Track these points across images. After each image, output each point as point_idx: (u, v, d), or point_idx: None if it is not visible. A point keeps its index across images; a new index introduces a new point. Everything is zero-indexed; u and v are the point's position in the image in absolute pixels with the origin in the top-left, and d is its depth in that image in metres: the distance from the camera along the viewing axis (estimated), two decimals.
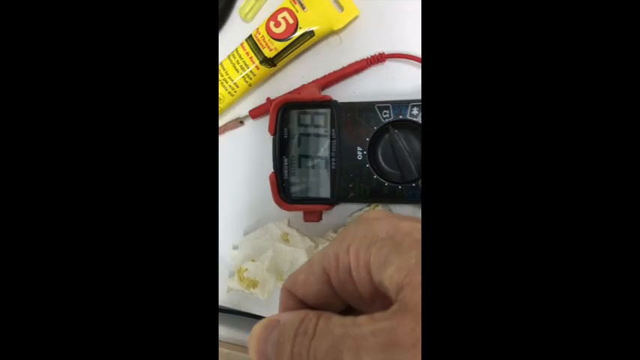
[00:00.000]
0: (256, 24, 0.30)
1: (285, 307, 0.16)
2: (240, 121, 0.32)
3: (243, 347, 0.33)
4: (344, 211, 0.30)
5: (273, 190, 0.28)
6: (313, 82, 0.29)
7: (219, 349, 0.34)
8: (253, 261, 0.30)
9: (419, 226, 0.13)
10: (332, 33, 0.29)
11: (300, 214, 0.30)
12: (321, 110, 0.27)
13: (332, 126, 0.27)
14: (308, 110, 0.27)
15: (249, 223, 0.33)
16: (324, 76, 0.29)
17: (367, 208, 0.29)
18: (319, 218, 0.29)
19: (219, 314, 0.36)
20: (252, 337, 0.15)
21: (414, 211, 0.29)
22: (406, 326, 0.11)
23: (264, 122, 0.32)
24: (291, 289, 0.16)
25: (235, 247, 0.33)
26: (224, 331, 0.34)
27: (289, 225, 0.31)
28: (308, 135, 0.27)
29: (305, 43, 0.29)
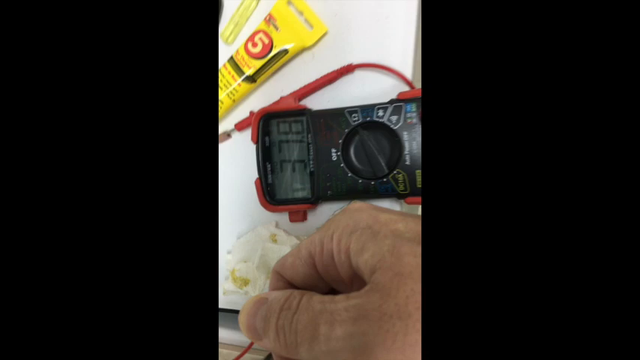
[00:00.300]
0: (237, 46, 0.34)
1: (274, 288, 0.18)
2: (227, 134, 0.35)
3: (242, 348, 0.35)
4: (328, 210, 0.33)
5: (258, 193, 0.31)
6: (291, 94, 0.31)
7: (220, 350, 0.35)
8: (245, 262, 0.32)
9: (396, 217, 0.15)
10: (305, 49, 0.32)
11: (287, 216, 0.33)
12: (297, 118, 0.30)
13: (308, 132, 0.29)
14: (286, 119, 0.30)
15: (242, 228, 0.35)
16: (300, 89, 0.32)
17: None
18: (304, 218, 0.32)
19: (219, 316, 0.38)
20: (242, 312, 0.17)
21: (390, 205, 0.31)
22: (374, 303, 0.13)
23: (249, 133, 0.35)
24: (280, 270, 0.18)
25: (229, 252, 0.35)
26: (223, 333, 0.36)
27: (277, 227, 0.33)
28: (287, 141, 0.30)
29: (281, 60, 0.32)
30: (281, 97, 0.31)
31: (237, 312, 0.35)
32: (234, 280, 0.32)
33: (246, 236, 0.34)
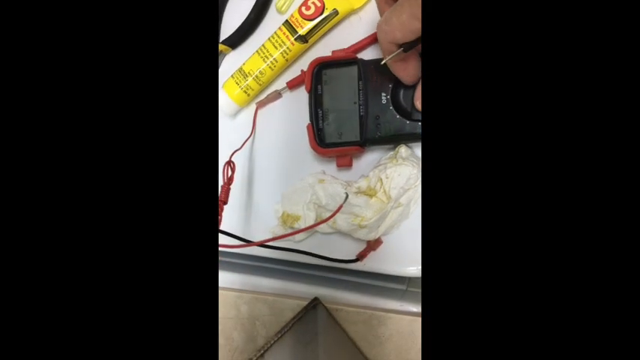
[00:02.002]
0: (291, 12, 0.37)
1: None
2: (278, 93, 0.38)
3: (285, 296, 0.36)
4: (372, 160, 0.35)
5: (310, 137, 0.33)
6: (342, 49, 0.34)
7: (266, 297, 0.36)
8: (295, 205, 0.34)
9: None
10: (352, 12, 0.36)
11: (333, 167, 0.35)
12: (349, 67, 0.32)
13: (359, 79, 0.32)
14: (339, 68, 0.33)
15: (290, 182, 0.37)
16: (350, 46, 0.35)
17: (393, 152, 0.33)
18: (350, 163, 0.34)
19: (262, 266, 0.39)
20: None
21: None
22: None
23: (299, 93, 0.37)
24: None
25: (277, 204, 0.37)
26: (268, 282, 0.38)
27: (324, 174, 0.35)
28: (339, 88, 0.33)
29: (331, 22, 0.35)
30: (333, 52, 0.34)
31: (281, 249, 0.36)
32: (284, 220, 0.34)
33: (295, 185, 0.36)
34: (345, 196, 0.30)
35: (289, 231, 0.34)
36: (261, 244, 0.28)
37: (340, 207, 0.28)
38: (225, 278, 0.39)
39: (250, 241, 0.30)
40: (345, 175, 0.35)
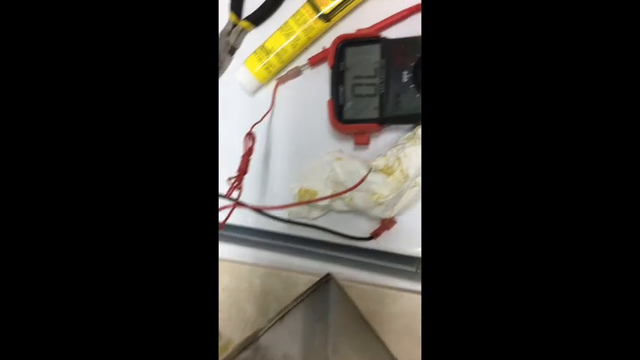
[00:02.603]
0: None
1: None
2: (299, 70, 0.38)
3: (298, 271, 0.37)
4: (390, 140, 0.35)
5: (330, 113, 0.33)
6: (365, 28, 0.34)
7: (279, 272, 0.37)
8: (312, 181, 0.34)
9: None
10: None
11: (350, 148, 0.35)
12: (372, 45, 0.32)
13: (382, 57, 0.32)
14: (362, 45, 0.33)
15: (308, 160, 0.38)
16: (374, 24, 0.35)
17: (411, 132, 0.33)
18: (368, 141, 0.34)
19: (276, 244, 0.40)
20: None
21: None
22: None
23: (319, 70, 0.37)
24: None
25: (293, 182, 0.37)
26: (282, 258, 0.38)
27: (341, 152, 0.35)
28: (361, 66, 0.33)
29: (355, 1, 0.35)
30: (357, 30, 0.34)
31: (299, 223, 0.36)
32: (302, 196, 0.34)
33: (311, 163, 0.36)
34: (366, 170, 0.31)
35: (305, 208, 0.34)
36: (281, 207, 0.29)
37: (364, 178, 0.28)
38: (239, 252, 0.40)
39: (270, 216, 0.31)
40: (362, 154, 0.35)
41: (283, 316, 0.26)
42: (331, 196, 0.30)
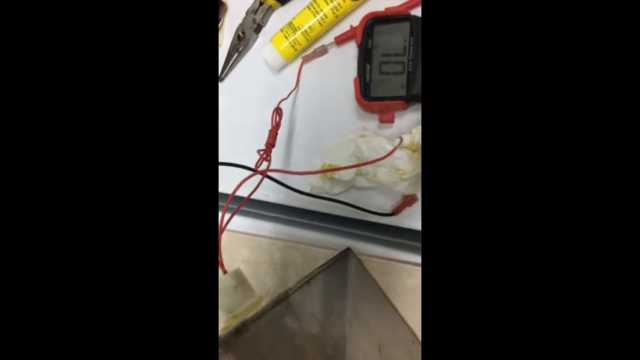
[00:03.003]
0: None
1: None
2: (325, 48, 0.38)
3: (318, 245, 0.38)
4: (414, 119, 0.35)
5: (356, 90, 0.34)
6: (395, 7, 0.35)
7: (299, 245, 0.38)
8: (336, 157, 0.35)
9: None
10: None
11: (374, 127, 0.36)
12: (401, 23, 0.33)
13: (411, 35, 0.32)
14: (391, 23, 0.33)
15: (331, 138, 0.38)
16: (403, 3, 0.35)
17: None
18: (392, 119, 0.34)
19: (296, 220, 0.41)
20: None
21: None
22: None
23: (346, 49, 0.38)
24: None
25: (316, 158, 0.38)
26: (302, 233, 0.39)
27: (365, 129, 0.36)
28: (389, 44, 0.33)
29: None
30: (386, 8, 0.34)
31: (320, 197, 0.37)
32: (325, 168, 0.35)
33: (336, 140, 0.37)
34: (391, 146, 0.31)
35: (327, 183, 0.35)
36: (306, 173, 0.29)
37: (392, 151, 0.29)
38: (259, 225, 0.41)
39: (295, 189, 0.31)
40: (387, 132, 0.36)
41: (310, 279, 0.27)
42: (356, 165, 0.30)
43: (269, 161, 0.30)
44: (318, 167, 0.37)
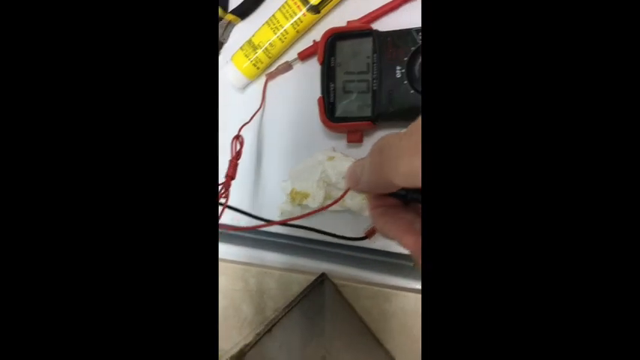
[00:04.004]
0: None
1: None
2: (289, 64, 0.37)
3: (293, 270, 0.37)
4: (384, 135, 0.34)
5: (320, 111, 0.32)
6: (356, 20, 0.33)
7: (273, 271, 0.37)
8: (304, 181, 0.34)
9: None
10: None
11: (343, 145, 0.34)
12: (364, 39, 0.31)
13: (374, 51, 0.31)
14: (353, 39, 0.31)
15: (299, 159, 0.37)
16: (365, 15, 0.33)
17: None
18: (361, 139, 0.33)
19: (269, 240, 0.40)
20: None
21: None
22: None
23: (310, 65, 0.36)
24: None
25: (285, 180, 0.37)
26: (275, 257, 0.38)
27: (334, 150, 0.34)
28: (352, 61, 0.31)
29: None
30: (348, 22, 0.33)
31: (293, 225, 0.36)
32: (293, 197, 0.33)
33: (304, 162, 0.35)
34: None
35: (297, 208, 0.33)
36: (272, 223, 0.28)
37: (346, 192, 0.28)
38: (232, 251, 0.39)
39: (261, 219, 0.30)
40: (356, 151, 0.34)
41: (279, 320, 0.26)
42: (324, 208, 0.29)
43: (227, 196, 0.29)
44: (287, 191, 0.36)
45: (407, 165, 0.15)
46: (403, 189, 0.18)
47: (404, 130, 0.16)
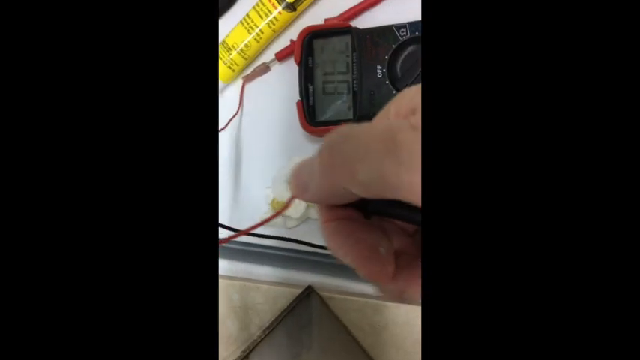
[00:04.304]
0: None
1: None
2: (266, 66, 0.35)
3: (278, 283, 0.35)
4: None
5: (299, 115, 0.30)
6: (335, 17, 0.31)
7: (258, 285, 0.35)
8: (285, 191, 0.32)
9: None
10: None
11: None
12: (342, 37, 0.29)
13: (353, 50, 0.29)
14: (330, 37, 0.29)
15: (281, 164, 0.35)
16: (344, 12, 0.31)
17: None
18: None
19: (252, 251, 0.38)
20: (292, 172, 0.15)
21: None
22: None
23: (289, 65, 0.34)
24: None
25: (268, 187, 0.35)
26: (260, 269, 0.36)
27: None
28: (331, 61, 0.30)
29: None
30: (325, 20, 0.31)
31: (278, 238, 0.34)
32: (274, 208, 0.32)
33: (284, 168, 0.33)
34: None
35: (281, 218, 0.32)
36: (249, 233, 0.26)
37: (280, 212, 0.25)
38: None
39: (238, 230, 0.28)
40: None
41: (264, 337, 0.24)
42: (273, 216, 0.27)
43: None
44: (269, 199, 0.34)
45: (371, 170, 0.11)
46: (364, 200, 0.13)
47: (365, 124, 0.12)
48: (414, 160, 0.11)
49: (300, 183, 0.14)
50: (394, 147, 0.11)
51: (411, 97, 0.14)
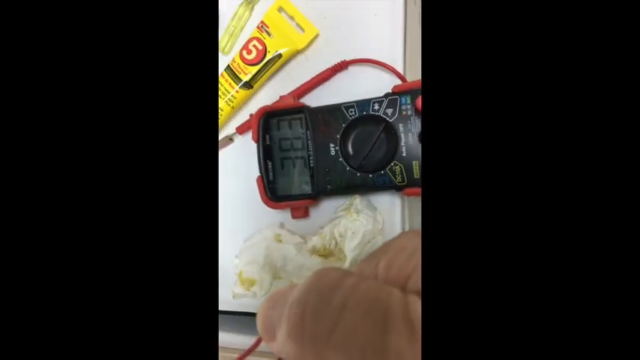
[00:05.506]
0: (233, 55, 0.35)
1: None
2: (230, 139, 0.36)
3: (254, 355, 0.35)
4: (329, 206, 0.33)
5: (260, 191, 0.31)
6: (289, 93, 0.33)
7: (228, 354, 0.35)
8: (251, 264, 0.33)
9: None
10: (298, 52, 0.34)
11: (290, 217, 0.33)
12: (296, 116, 0.31)
13: (307, 128, 0.30)
14: (285, 117, 0.31)
15: (249, 231, 0.36)
16: (297, 88, 0.33)
17: (348, 202, 0.32)
18: (306, 214, 0.32)
19: (228, 319, 0.38)
20: (259, 310, 0.15)
21: (390, 197, 0.31)
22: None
23: (251, 135, 0.35)
24: None
25: (237, 256, 0.35)
26: (231, 337, 0.36)
27: (281, 227, 0.33)
28: (287, 139, 0.31)
29: (275, 65, 0.33)
30: (280, 97, 0.32)
31: (245, 314, 0.35)
32: (242, 282, 0.32)
33: (252, 238, 0.34)
34: (301, 255, 0.29)
35: (247, 292, 0.32)
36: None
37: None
38: None
39: None
40: (303, 224, 0.33)
41: None
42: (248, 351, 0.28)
43: None
44: (238, 270, 0.34)
45: None
46: None
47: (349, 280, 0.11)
48: None
49: (269, 330, 0.13)
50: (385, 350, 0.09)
51: (405, 258, 0.13)
